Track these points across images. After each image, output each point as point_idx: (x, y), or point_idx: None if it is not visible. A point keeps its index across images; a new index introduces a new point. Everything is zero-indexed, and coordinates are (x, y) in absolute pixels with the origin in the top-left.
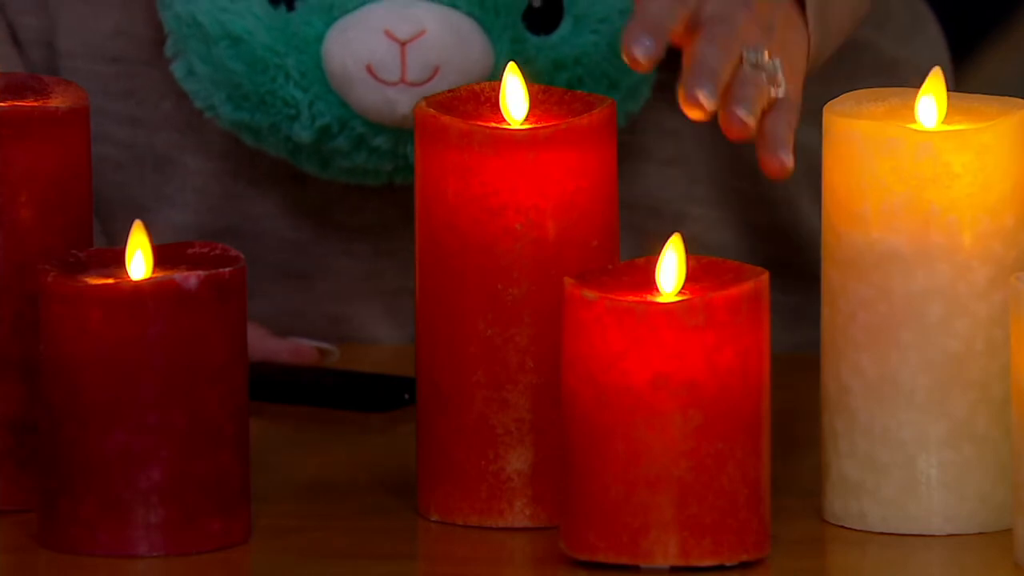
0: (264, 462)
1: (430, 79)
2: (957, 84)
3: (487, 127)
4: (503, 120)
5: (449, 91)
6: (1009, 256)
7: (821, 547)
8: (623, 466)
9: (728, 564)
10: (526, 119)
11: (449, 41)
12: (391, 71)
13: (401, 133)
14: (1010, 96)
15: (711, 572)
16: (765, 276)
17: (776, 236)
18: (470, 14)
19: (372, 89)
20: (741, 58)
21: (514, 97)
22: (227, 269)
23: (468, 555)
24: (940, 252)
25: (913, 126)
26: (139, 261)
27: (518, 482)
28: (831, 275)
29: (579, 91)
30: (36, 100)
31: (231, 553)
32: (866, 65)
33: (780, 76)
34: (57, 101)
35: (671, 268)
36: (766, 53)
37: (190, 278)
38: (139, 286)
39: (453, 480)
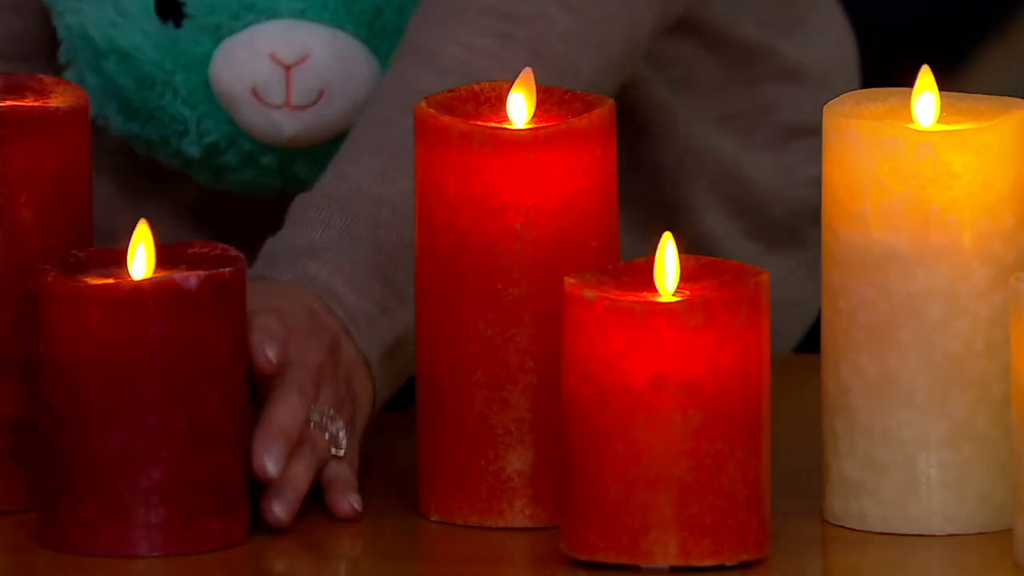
0: None
1: (315, 103)
2: (956, 87)
3: (487, 127)
4: (503, 120)
5: (449, 91)
6: (1009, 256)
7: (821, 547)
8: (623, 466)
9: (728, 564)
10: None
11: (335, 65)
12: (276, 94)
13: (289, 152)
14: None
15: (711, 572)
16: (765, 276)
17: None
18: (357, 36)
19: (258, 112)
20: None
21: (516, 100)
22: (227, 269)
23: (468, 555)
24: (940, 252)
25: (913, 126)
26: (140, 261)
27: (518, 482)
28: (831, 275)
29: (579, 91)
30: (36, 100)
31: (231, 553)
32: (769, 70)
33: (342, 438)
34: (57, 101)
35: (671, 267)
36: (332, 413)
37: (190, 278)
38: (139, 286)
39: (453, 480)
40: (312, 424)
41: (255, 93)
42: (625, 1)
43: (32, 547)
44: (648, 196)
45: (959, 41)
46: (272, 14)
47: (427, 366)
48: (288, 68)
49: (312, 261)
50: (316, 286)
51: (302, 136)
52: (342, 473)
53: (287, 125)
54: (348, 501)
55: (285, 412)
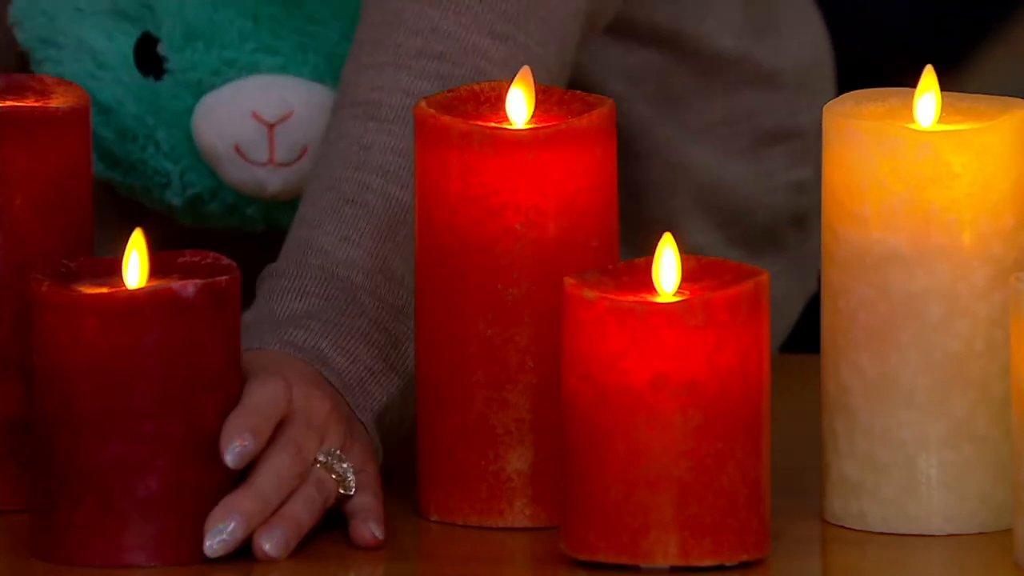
0: None
1: (299, 159)
2: (956, 87)
3: (487, 127)
4: (503, 120)
5: (449, 91)
6: (1009, 256)
7: (821, 547)
8: (623, 466)
9: (728, 564)
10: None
11: (317, 121)
12: (259, 152)
13: (273, 203)
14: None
15: (711, 572)
16: (765, 276)
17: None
18: (337, 89)
19: (241, 168)
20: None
21: (515, 100)
22: (223, 277)
23: (468, 555)
24: (940, 252)
25: (913, 126)
26: (134, 270)
27: (518, 482)
28: (831, 275)
29: (579, 91)
30: (36, 100)
31: (228, 563)
32: (743, 77)
33: (351, 479)
34: (57, 101)
35: (671, 268)
36: (339, 453)
37: (187, 286)
38: (134, 295)
39: (453, 480)
40: (318, 464)
41: (238, 151)
42: (549, 20)
43: (27, 555)
44: (627, 211)
45: (959, 41)
46: (252, 69)
47: (427, 366)
48: (271, 126)
49: (297, 330)
50: (305, 354)
51: (286, 191)
52: (367, 503)
53: (271, 181)
54: (368, 528)
55: (270, 477)
